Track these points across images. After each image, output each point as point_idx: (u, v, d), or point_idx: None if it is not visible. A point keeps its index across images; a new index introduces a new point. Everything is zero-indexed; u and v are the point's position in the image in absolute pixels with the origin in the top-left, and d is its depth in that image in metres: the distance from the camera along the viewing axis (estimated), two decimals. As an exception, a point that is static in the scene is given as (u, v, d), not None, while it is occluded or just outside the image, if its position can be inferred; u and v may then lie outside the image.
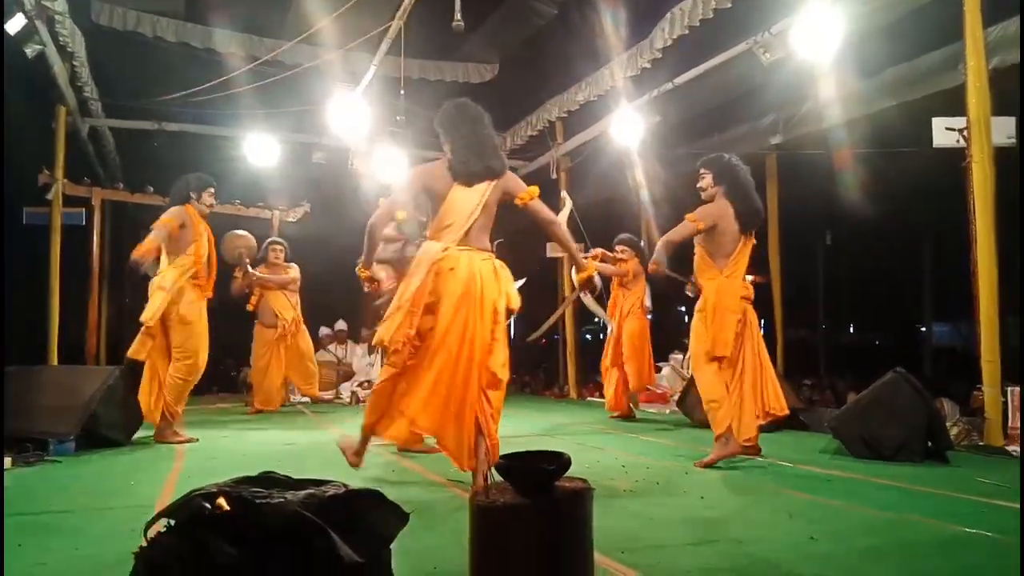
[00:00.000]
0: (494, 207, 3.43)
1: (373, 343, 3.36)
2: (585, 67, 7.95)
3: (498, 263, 3.38)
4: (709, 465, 3.93)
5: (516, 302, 3.37)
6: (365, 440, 3.41)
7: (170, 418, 5.02)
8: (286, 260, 7.48)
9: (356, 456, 3.43)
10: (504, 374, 3.27)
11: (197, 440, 5.05)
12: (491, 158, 3.39)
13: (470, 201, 3.33)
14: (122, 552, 2.28)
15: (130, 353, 5.02)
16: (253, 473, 1.23)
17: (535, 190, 3.49)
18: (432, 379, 3.16)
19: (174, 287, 4.96)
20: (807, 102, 7.03)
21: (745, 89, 7.27)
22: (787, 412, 4.38)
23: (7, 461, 3.89)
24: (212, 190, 5.32)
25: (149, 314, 4.89)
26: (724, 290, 4.11)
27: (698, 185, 4.33)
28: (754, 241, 4.29)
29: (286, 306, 7.30)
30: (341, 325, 9.32)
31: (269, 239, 7.64)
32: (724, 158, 4.31)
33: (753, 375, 4.17)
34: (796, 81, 6.47)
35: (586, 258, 4.39)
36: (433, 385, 3.16)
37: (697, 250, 4.27)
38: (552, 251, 8.72)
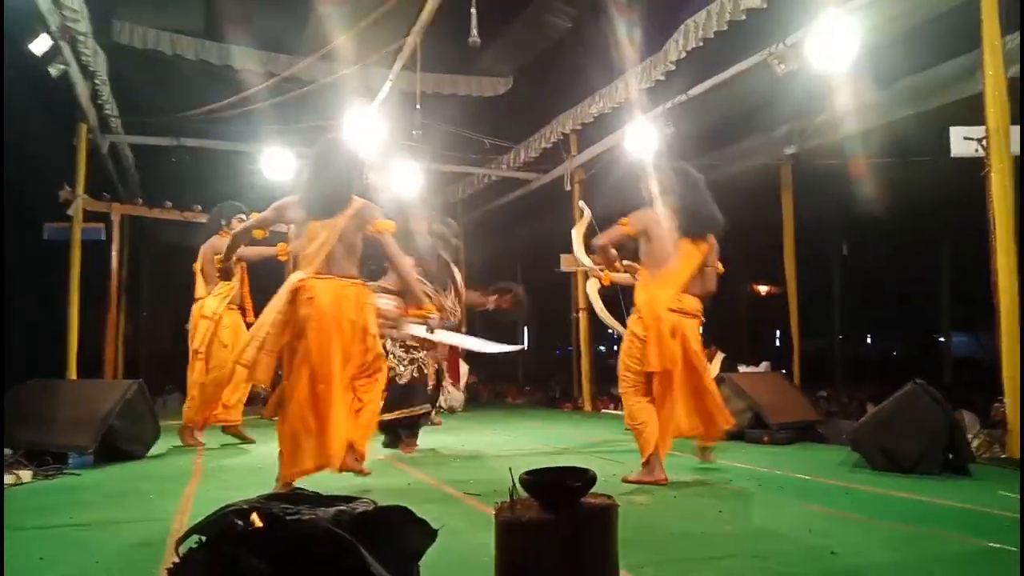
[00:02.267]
0: (354, 236, 3.59)
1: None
2: (599, 79, 7.97)
3: (360, 291, 3.56)
4: (634, 483, 3.76)
5: (373, 328, 3.54)
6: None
7: (193, 425, 5.48)
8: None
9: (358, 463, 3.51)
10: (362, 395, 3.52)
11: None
12: (339, 189, 3.58)
13: (324, 233, 3.53)
14: (142, 565, 2.31)
15: (190, 380, 5.64)
16: (267, 486, 1.24)
17: (390, 225, 3.66)
18: (300, 396, 3.34)
19: (215, 315, 5.58)
20: (822, 112, 7.01)
21: (760, 100, 7.26)
22: (730, 424, 4.18)
23: (27, 474, 3.93)
24: (242, 216, 5.66)
25: (198, 342, 5.53)
26: (654, 301, 3.88)
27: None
28: (706, 252, 4.03)
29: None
30: None
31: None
32: (670, 164, 4.18)
33: (685, 393, 3.93)
34: (811, 91, 6.45)
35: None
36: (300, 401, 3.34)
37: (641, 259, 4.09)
38: (565, 265, 8.73)
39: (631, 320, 4.03)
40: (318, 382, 3.35)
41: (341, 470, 3.38)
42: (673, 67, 6.72)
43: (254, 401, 6.52)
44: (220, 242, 5.58)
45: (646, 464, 3.82)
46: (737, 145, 8.26)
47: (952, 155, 4.89)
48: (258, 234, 3.92)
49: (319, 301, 3.39)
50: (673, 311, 3.87)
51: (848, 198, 7.84)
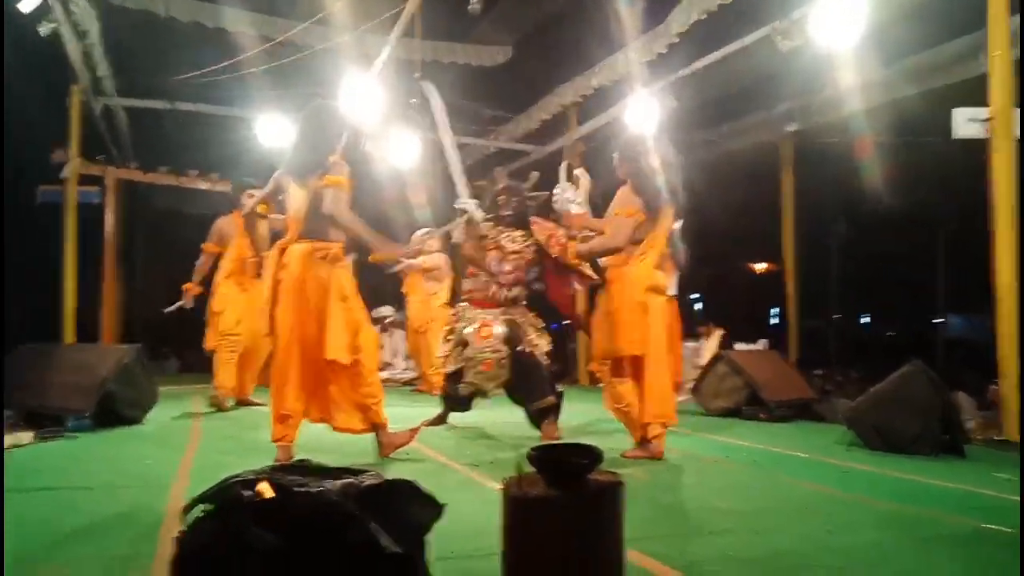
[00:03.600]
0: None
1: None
2: (600, 52, 7.87)
3: (332, 254, 3.53)
4: (631, 458, 3.74)
5: (348, 290, 3.52)
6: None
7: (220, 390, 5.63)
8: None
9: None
10: (342, 356, 3.40)
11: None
12: (316, 152, 3.58)
13: (301, 197, 3.56)
14: (142, 528, 2.31)
15: (207, 345, 5.75)
16: (265, 451, 1.23)
17: (338, 179, 3.54)
18: (280, 365, 3.45)
19: (226, 282, 5.73)
20: (825, 89, 6.95)
21: (762, 76, 7.19)
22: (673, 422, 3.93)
23: (28, 436, 3.93)
24: (252, 192, 5.68)
25: (220, 306, 5.69)
26: (629, 280, 3.76)
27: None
28: (670, 225, 3.95)
29: None
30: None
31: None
32: (630, 141, 4.05)
33: (658, 375, 3.78)
34: (814, 68, 6.38)
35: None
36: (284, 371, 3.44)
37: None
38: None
39: (601, 298, 3.93)
40: (281, 346, 3.44)
41: (274, 440, 3.43)
42: (676, 40, 6.63)
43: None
44: (226, 222, 5.81)
45: (640, 442, 3.82)
46: (738, 121, 8.19)
47: (955, 136, 4.84)
48: (262, 208, 3.92)
49: (289, 265, 3.46)
50: (648, 290, 3.76)
51: (849, 177, 7.82)
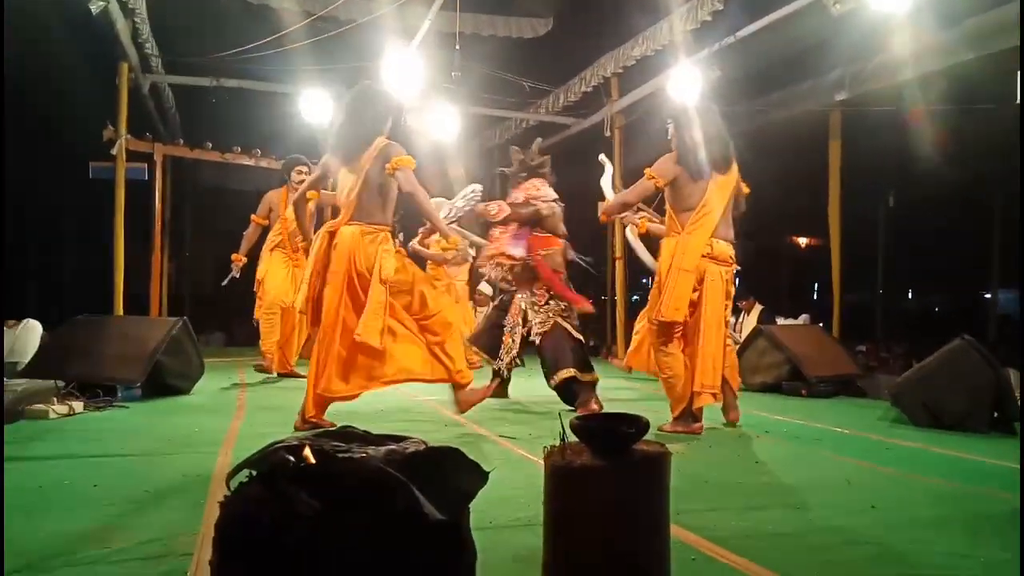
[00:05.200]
0: (379, 178, 3.58)
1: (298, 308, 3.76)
2: (642, 20, 7.70)
3: (380, 237, 3.57)
4: (668, 432, 3.75)
5: (387, 273, 3.52)
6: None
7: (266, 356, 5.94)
8: None
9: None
10: (373, 339, 3.43)
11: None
12: (363, 133, 3.62)
13: (351, 180, 3.63)
14: (191, 495, 2.38)
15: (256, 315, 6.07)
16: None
17: (407, 160, 3.59)
18: (326, 344, 3.51)
19: (270, 254, 6.04)
20: (878, 56, 6.70)
21: (812, 43, 6.95)
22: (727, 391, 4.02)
23: (79, 406, 4.07)
24: (302, 168, 5.99)
25: (262, 273, 5.98)
26: (682, 248, 3.74)
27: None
28: (736, 180, 3.89)
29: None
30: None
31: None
32: (684, 106, 4.07)
33: (712, 344, 3.75)
34: (868, 33, 6.15)
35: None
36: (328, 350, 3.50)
37: (667, 208, 3.94)
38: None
39: (657, 271, 3.97)
40: (326, 325, 3.52)
41: (309, 417, 3.54)
42: (721, 7, 6.45)
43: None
44: (275, 196, 6.10)
45: (679, 416, 3.80)
46: (785, 91, 7.96)
47: (1019, 102, 4.64)
48: (312, 195, 3.94)
49: (339, 247, 3.53)
50: (704, 257, 3.74)
51: (899, 147, 7.56)
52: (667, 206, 3.93)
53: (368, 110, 3.70)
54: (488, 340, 4.82)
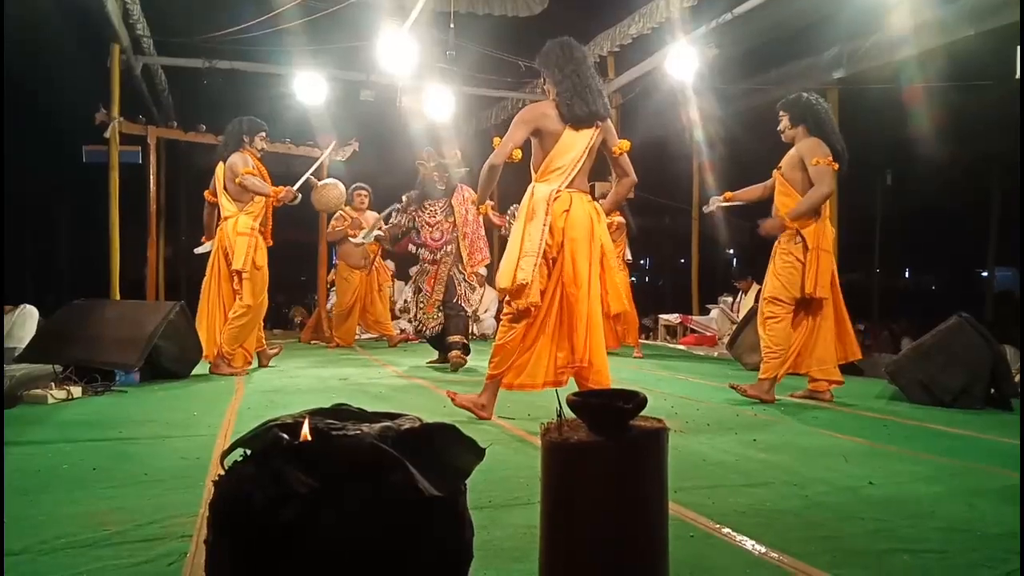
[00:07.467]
0: (595, 152, 3.44)
1: (499, 290, 3.41)
2: (639, -2, 7.64)
3: (597, 205, 3.47)
4: (742, 393, 4.26)
5: (609, 246, 3.45)
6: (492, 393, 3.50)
7: (228, 359, 5.29)
8: (369, 206, 7.93)
9: (484, 410, 3.48)
10: (619, 306, 3.47)
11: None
12: (595, 102, 3.36)
13: (578, 145, 3.35)
14: (189, 477, 2.38)
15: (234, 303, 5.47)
16: (311, 406, 1.24)
17: (627, 144, 3.52)
18: (569, 326, 3.33)
19: (254, 232, 5.29)
20: (876, 33, 6.65)
21: (809, 20, 6.91)
22: (858, 356, 4.53)
23: (78, 389, 4.07)
24: (264, 134, 5.49)
25: (241, 261, 5.19)
26: (823, 233, 4.16)
27: (778, 128, 4.35)
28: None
29: (373, 250, 7.84)
30: (389, 265, 9.37)
31: (354, 184, 7.94)
32: (803, 98, 4.27)
33: (835, 322, 4.29)
34: (866, 10, 6.11)
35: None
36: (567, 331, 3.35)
37: (786, 189, 4.26)
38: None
39: (791, 245, 4.18)
40: (568, 295, 3.31)
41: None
42: (719, -17, 6.40)
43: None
44: (241, 159, 5.30)
45: (763, 382, 4.18)
46: (782, 68, 7.91)
47: (1017, 77, 4.61)
48: (516, 155, 3.66)
49: (574, 215, 3.29)
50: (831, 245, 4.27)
51: (897, 125, 7.52)
52: (786, 187, 4.25)
53: (589, 72, 3.39)
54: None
